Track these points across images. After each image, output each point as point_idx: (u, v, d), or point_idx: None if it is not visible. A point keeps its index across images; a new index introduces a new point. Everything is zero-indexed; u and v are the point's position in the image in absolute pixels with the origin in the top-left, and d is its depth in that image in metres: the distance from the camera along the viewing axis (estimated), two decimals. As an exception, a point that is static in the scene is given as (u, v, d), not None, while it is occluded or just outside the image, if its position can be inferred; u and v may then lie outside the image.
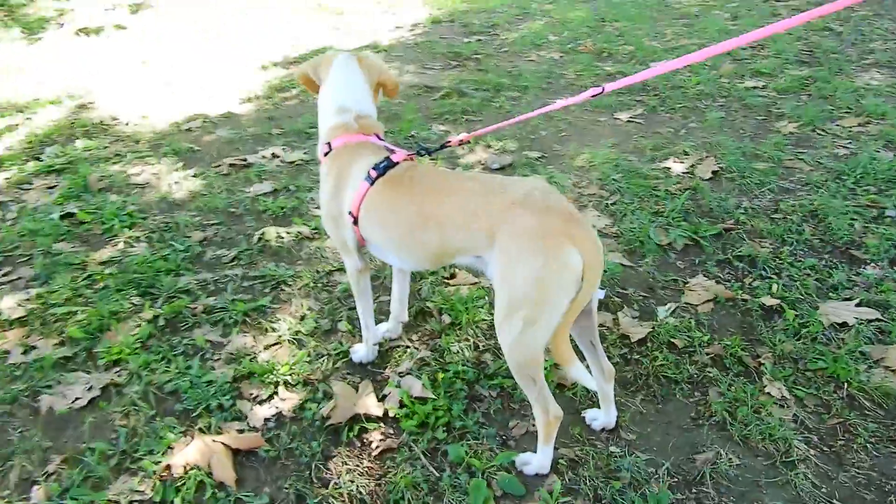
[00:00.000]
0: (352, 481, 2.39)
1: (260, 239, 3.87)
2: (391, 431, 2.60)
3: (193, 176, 4.67)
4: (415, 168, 2.49)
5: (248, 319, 3.22)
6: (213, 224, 4.05)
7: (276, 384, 2.82)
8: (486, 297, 3.31)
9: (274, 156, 4.92)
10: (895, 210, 3.95)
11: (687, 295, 3.32)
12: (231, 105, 5.99)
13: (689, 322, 3.12)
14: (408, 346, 3.04)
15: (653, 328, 3.08)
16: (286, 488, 2.38)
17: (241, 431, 2.61)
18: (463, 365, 2.88)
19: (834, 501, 2.29)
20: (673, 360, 2.89)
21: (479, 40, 7.70)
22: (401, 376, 2.83)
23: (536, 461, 2.39)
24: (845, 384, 2.74)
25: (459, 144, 2.75)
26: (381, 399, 2.73)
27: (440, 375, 2.80)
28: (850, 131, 5.08)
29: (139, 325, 3.17)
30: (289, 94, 6.22)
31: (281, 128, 5.43)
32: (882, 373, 2.80)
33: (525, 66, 6.88)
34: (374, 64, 2.73)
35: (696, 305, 3.25)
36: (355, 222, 2.57)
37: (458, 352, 2.98)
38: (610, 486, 2.35)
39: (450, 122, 5.53)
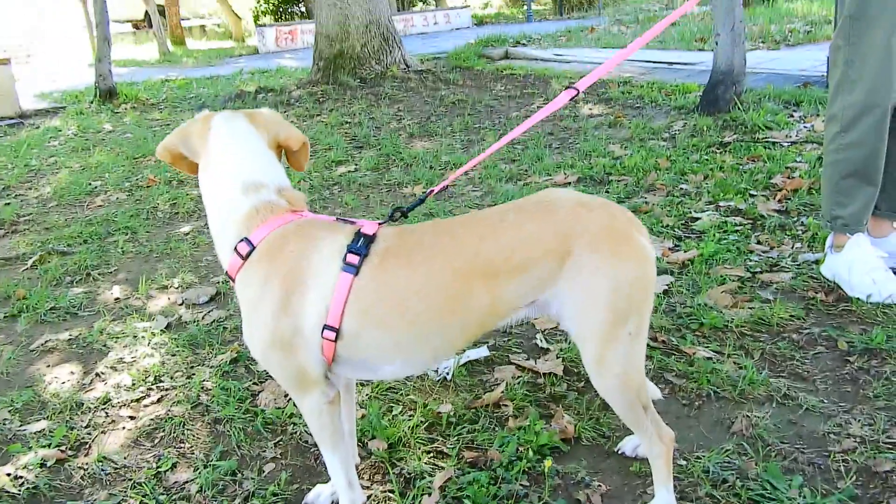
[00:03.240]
0: None
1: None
2: None
3: None
4: (409, 231, 1.82)
5: None
6: None
7: None
8: (395, 396, 2.48)
9: None
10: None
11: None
12: None
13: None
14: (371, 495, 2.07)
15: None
16: None
17: None
18: (463, 474, 2.12)
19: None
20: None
21: (8, 204, 6.03)
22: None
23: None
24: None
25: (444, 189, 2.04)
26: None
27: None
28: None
29: None
30: None
31: None
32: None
33: (99, 212, 5.62)
34: (271, 120, 1.95)
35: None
36: (336, 337, 1.67)
37: (432, 464, 2.15)
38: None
39: (80, 282, 4.15)
